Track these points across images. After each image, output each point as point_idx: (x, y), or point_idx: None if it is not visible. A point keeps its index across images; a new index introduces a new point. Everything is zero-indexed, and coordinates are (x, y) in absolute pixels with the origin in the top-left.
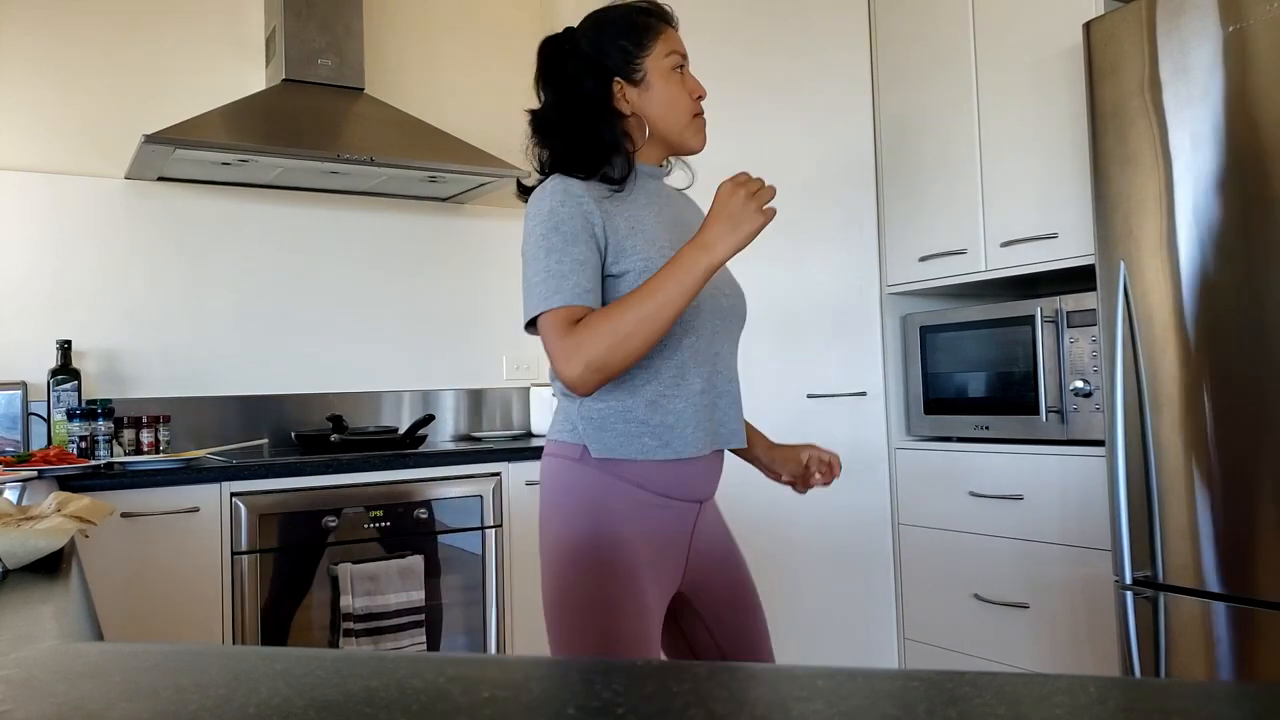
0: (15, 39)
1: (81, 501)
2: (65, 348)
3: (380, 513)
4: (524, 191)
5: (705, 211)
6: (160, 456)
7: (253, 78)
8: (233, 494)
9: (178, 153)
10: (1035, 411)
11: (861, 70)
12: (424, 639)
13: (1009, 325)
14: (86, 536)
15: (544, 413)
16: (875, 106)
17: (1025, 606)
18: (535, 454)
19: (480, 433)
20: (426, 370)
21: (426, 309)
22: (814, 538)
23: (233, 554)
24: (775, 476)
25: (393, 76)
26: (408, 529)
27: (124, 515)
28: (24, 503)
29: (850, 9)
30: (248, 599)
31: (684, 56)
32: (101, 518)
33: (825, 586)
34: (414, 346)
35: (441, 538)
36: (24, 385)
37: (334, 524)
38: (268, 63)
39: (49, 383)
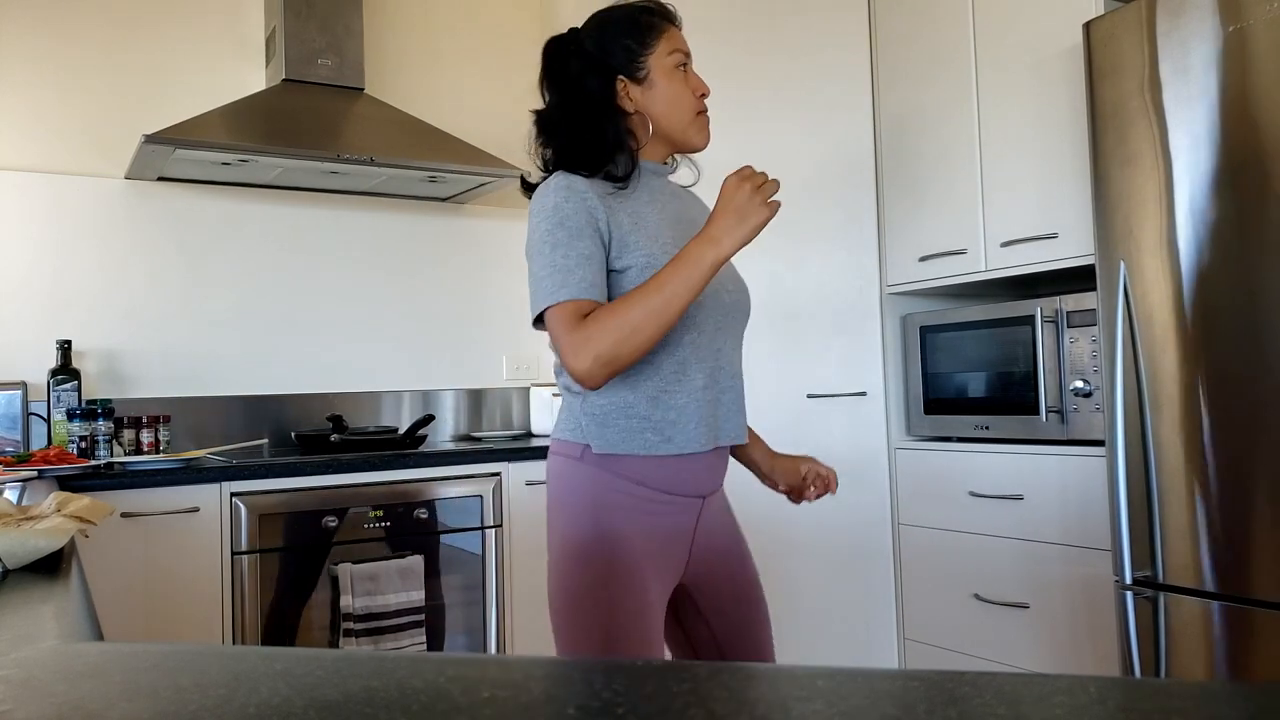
0: (15, 39)
1: (81, 501)
2: (65, 348)
3: (380, 513)
4: (528, 188)
5: (710, 207)
6: (160, 456)
7: (253, 78)
8: (233, 494)
9: (178, 153)
10: (1035, 411)
11: (861, 70)
12: (424, 639)
13: (1009, 325)
14: (86, 536)
15: (544, 413)
16: (875, 106)
17: (1025, 606)
18: (535, 454)
19: (480, 433)
20: (426, 370)
21: (426, 309)
22: (814, 538)
23: (233, 554)
24: (772, 485)
25: (393, 76)
26: (408, 529)
27: (124, 515)
28: (24, 503)
29: (850, 9)
30: (248, 599)
31: (687, 55)
32: (101, 518)
33: (825, 586)
34: (414, 346)
35: (442, 538)
36: (24, 385)
37: (334, 524)
38: (268, 63)
39: (49, 383)
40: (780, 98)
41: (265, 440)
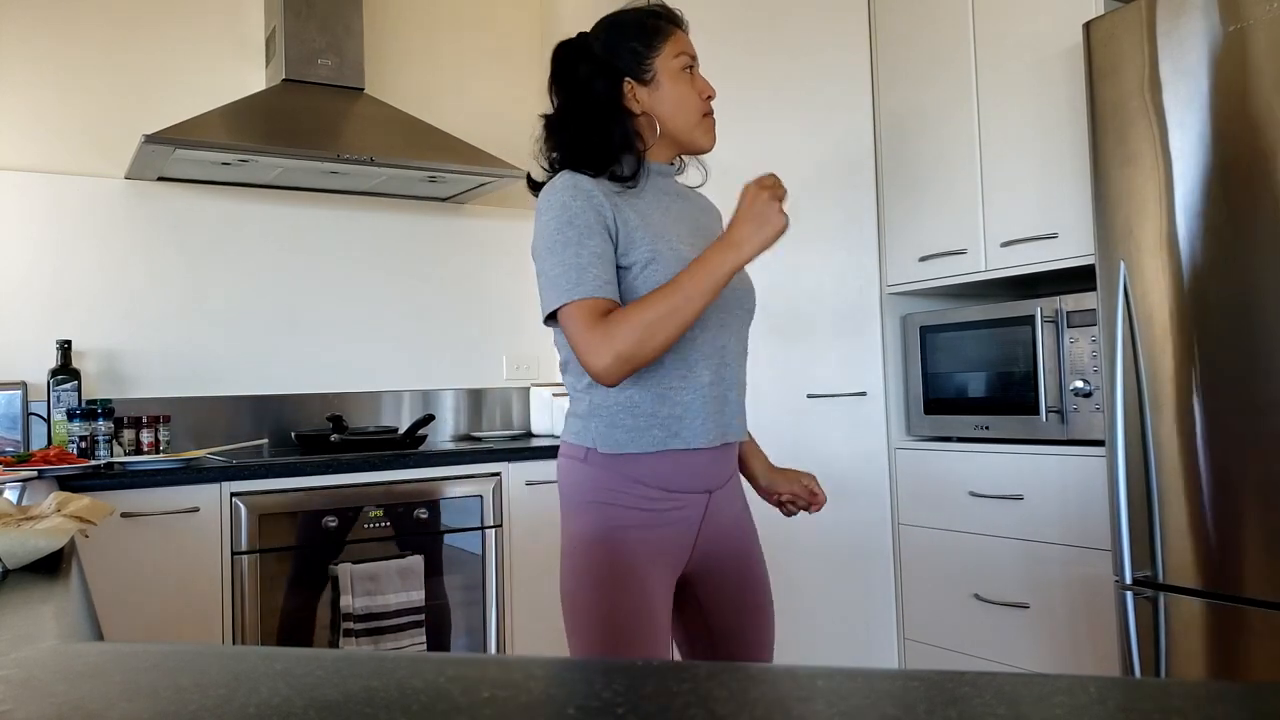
0: (15, 39)
1: (81, 501)
2: (65, 348)
3: (380, 513)
4: (534, 187)
5: (716, 208)
6: (160, 456)
7: (253, 78)
8: (233, 494)
9: (178, 153)
10: (1035, 411)
11: (861, 70)
12: (424, 639)
13: (1009, 325)
14: (86, 536)
15: (544, 413)
16: (875, 106)
17: (1025, 606)
18: (535, 454)
19: (480, 433)
20: (426, 370)
21: (426, 309)
22: (814, 538)
23: (233, 554)
24: (767, 495)
25: (393, 76)
26: (408, 529)
27: (124, 515)
28: (24, 503)
29: (850, 9)
30: (248, 599)
31: (693, 58)
32: (101, 518)
33: (825, 586)
34: (414, 346)
35: (442, 538)
36: (24, 385)
37: (334, 524)
38: (268, 63)
39: (49, 383)
40: (780, 98)
41: (265, 440)
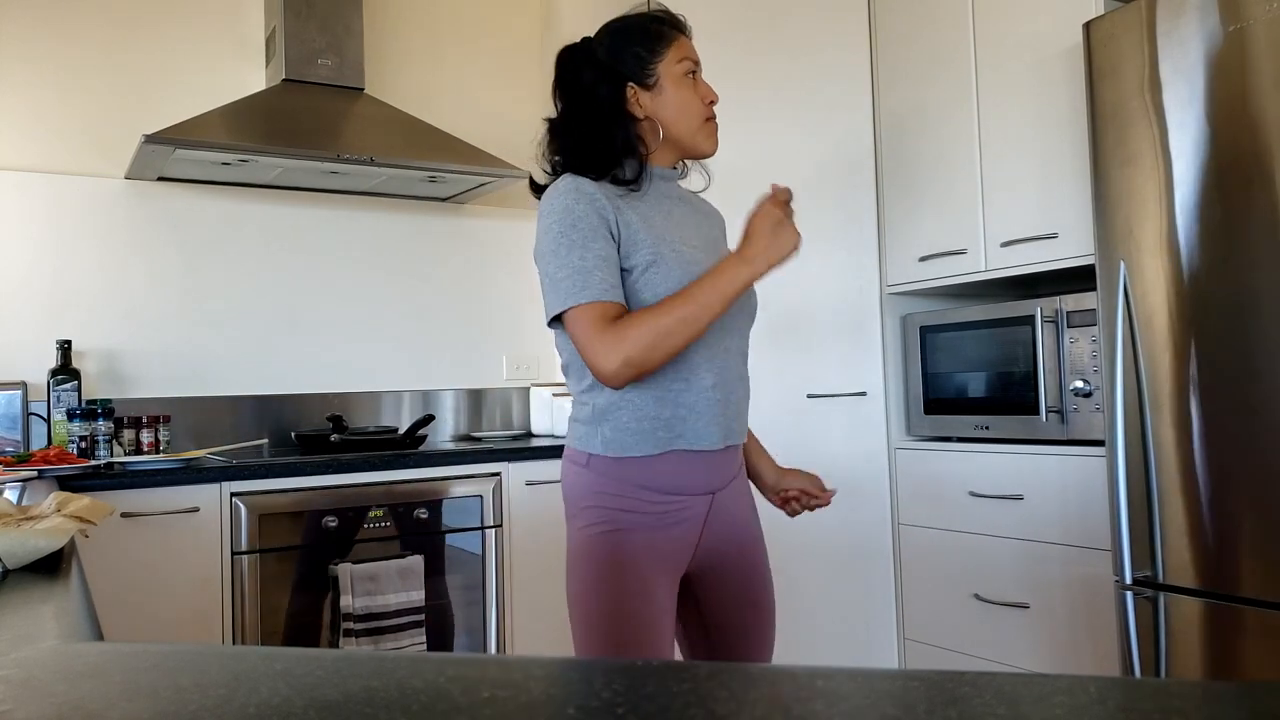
0: (15, 39)
1: (81, 501)
2: (65, 348)
3: (380, 513)
4: (537, 190)
5: (719, 213)
6: (160, 456)
7: (253, 78)
8: (233, 494)
9: (178, 153)
10: (1035, 411)
11: (861, 70)
12: (424, 639)
13: (1009, 325)
14: (86, 536)
15: (544, 413)
16: (875, 106)
17: (1025, 606)
18: (535, 454)
19: (480, 433)
20: (426, 370)
21: (426, 309)
22: (814, 538)
23: (233, 554)
24: (774, 492)
25: (393, 76)
26: (408, 529)
27: (124, 515)
28: (24, 503)
29: (850, 9)
30: (248, 599)
31: (696, 63)
32: (101, 518)
33: (825, 586)
34: (414, 346)
35: (441, 538)
36: (24, 385)
37: (334, 524)
38: (268, 63)
39: (49, 383)
40: (780, 98)
41: (265, 440)
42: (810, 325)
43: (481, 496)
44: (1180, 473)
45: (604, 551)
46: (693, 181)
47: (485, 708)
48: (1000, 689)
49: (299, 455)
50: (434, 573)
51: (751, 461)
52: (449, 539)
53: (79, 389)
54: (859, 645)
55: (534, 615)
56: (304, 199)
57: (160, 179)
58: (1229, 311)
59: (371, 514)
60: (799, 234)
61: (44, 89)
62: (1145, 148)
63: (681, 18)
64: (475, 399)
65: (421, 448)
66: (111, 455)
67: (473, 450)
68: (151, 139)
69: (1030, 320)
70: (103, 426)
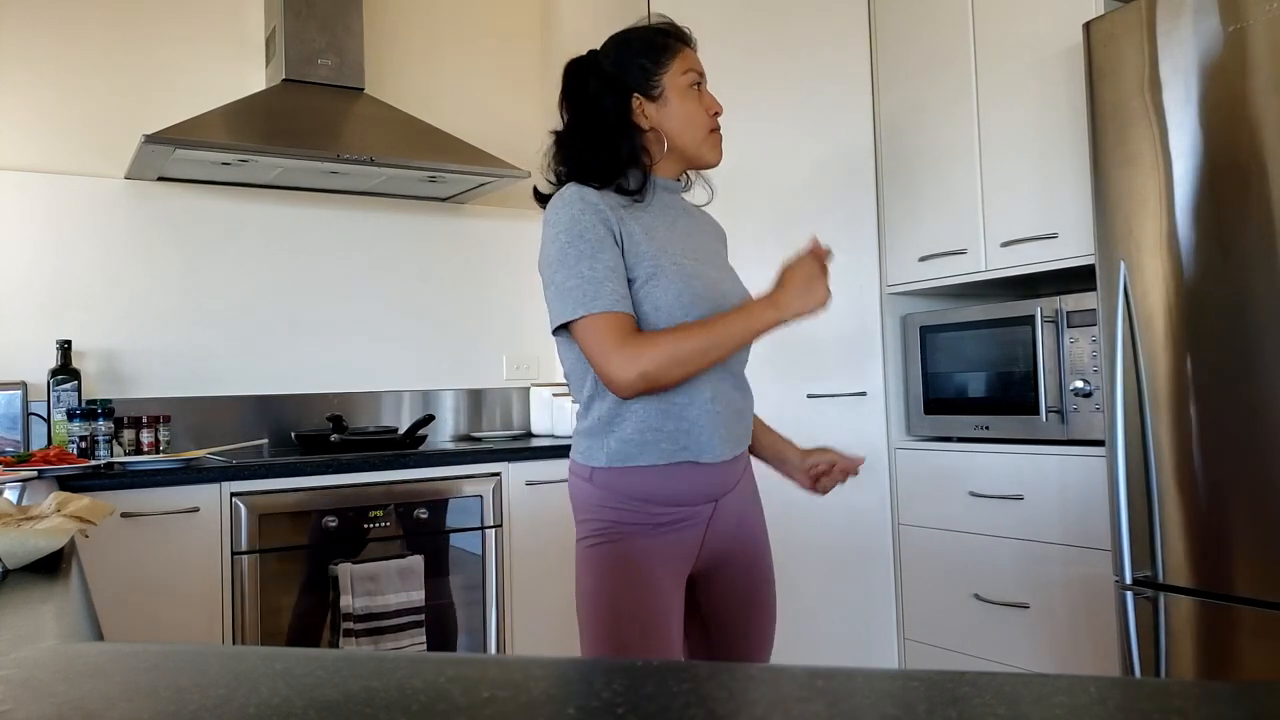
0: (15, 39)
1: (81, 501)
2: (65, 348)
3: (380, 513)
4: (541, 199)
5: (721, 227)
6: (160, 456)
7: (253, 78)
8: (233, 494)
9: (178, 153)
10: (1035, 411)
11: (861, 70)
12: (424, 639)
13: (1009, 325)
14: (86, 536)
15: (544, 413)
16: (875, 106)
17: (1025, 606)
18: (535, 454)
19: (480, 433)
20: (426, 370)
21: (426, 309)
22: (814, 538)
23: (233, 554)
24: (805, 471)
25: (393, 76)
26: (408, 529)
27: (124, 515)
28: (24, 503)
29: (850, 9)
30: (248, 599)
31: (701, 75)
32: (101, 518)
33: (825, 586)
34: (414, 346)
35: (441, 538)
36: (24, 385)
37: (334, 524)
38: (268, 63)
39: (49, 383)
40: (780, 98)
41: (265, 440)
42: (810, 325)
43: (481, 496)
44: (1180, 473)
45: (609, 561)
46: (695, 195)
47: (485, 708)
48: (1000, 689)
49: (299, 455)
50: (434, 573)
51: (778, 449)
52: (449, 539)
53: (79, 389)
54: (859, 645)
55: (534, 615)
56: (304, 199)
57: (160, 179)
58: (1229, 311)
59: (371, 514)
60: (830, 292)
61: (44, 89)
62: (1145, 148)
63: (687, 30)
64: (475, 399)
65: (421, 448)
66: (111, 455)
67: (473, 450)
68: (151, 139)
69: (1030, 320)
70: (103, 426)
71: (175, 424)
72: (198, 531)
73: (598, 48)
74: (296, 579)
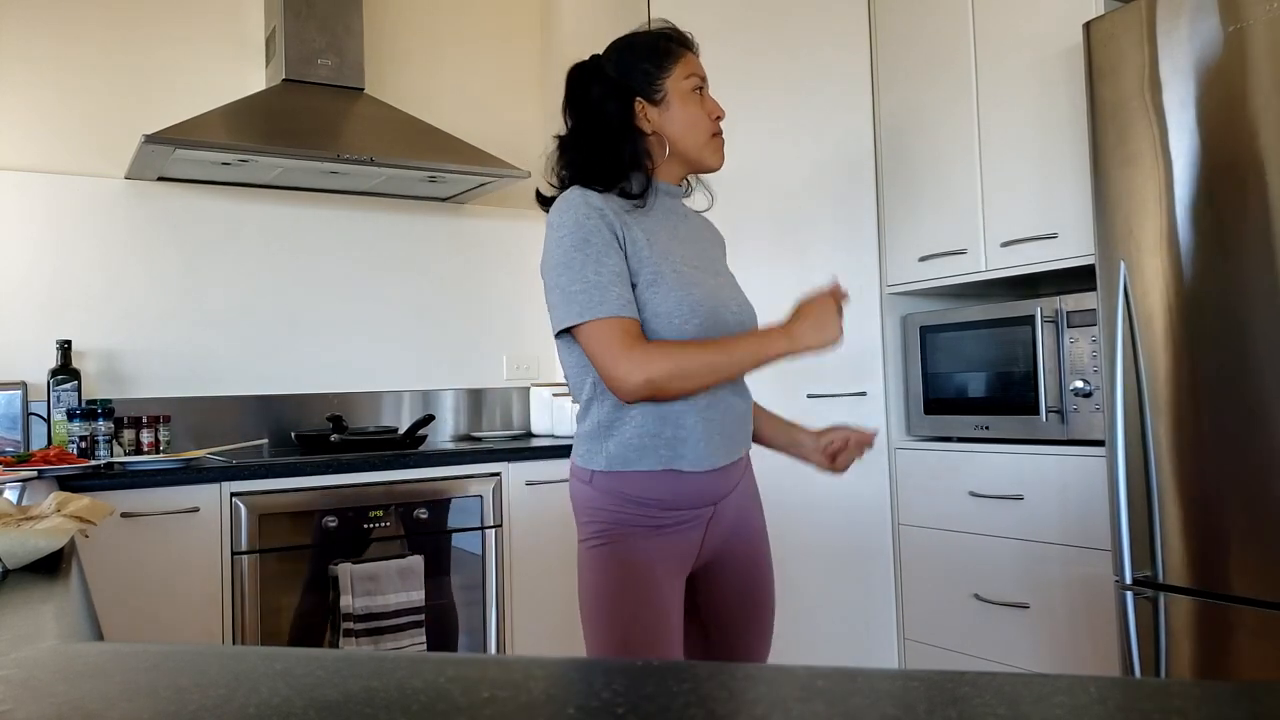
0: (15, 39)
1: (81, 501)
2: (65, 348)
3: (380, 513)
4: (544, 202)
5: (721, 234)
6: (160, 456)
7: (253, 78)
8: (233, 494)
9: (178, 153)
10: (1035, 411)
11: (861, 70)
12: (424, 639)
13: (1009, 325)
14: (86, 536)
15: (544, 413)
16: (875, 106)
17: (1025, 606)
18: (535, 454)
19: (480, 433)
20: (426, 370)
21: (426, 309)
22: (814, 537)
23: (233, 554)
24: (819, 457)
25: (393, 76)
26: (408, 529)
27: (124, 515)
28: (24, 503)
29: (850, 9)
30: (248, 599)
31: (703, 79)
32: (101, 518)
33: (825, 586)
34: (414, 346)
35: (441, 538)
36: (24, 385)
37: (334, 524)
38: (268, 63)
39: (49, 383)
40: (780, 98)
41: (265, 440)
42: None
43: (481, 496)
44: (1180, 473)
45: (610, 561)
46: (695, 201)
47: (485, 708)
48: (1000, 689)
49: (299, 455)
50: (434, 573)
51: (791, 434)
52: (449, 539)
53: (79, 389)
54: (859, 645)
55: (534, 615)
56: (304, 199)
57: (160, 179)
58: (1229, 311)
59: (372, 514)
60: (843, 331)
61: (44, 89)
62: (1145, 148)
63: (689, 35)
64: (475, 399)
65: (421, 448)
66: (111, 455)
67: (473, 450)
68: (151, 139)
69: (1030, 320)
70: (103, 426)
71: (175, 424)
72: (198, 531)
73: (600, 52)
74: (296, 579)
